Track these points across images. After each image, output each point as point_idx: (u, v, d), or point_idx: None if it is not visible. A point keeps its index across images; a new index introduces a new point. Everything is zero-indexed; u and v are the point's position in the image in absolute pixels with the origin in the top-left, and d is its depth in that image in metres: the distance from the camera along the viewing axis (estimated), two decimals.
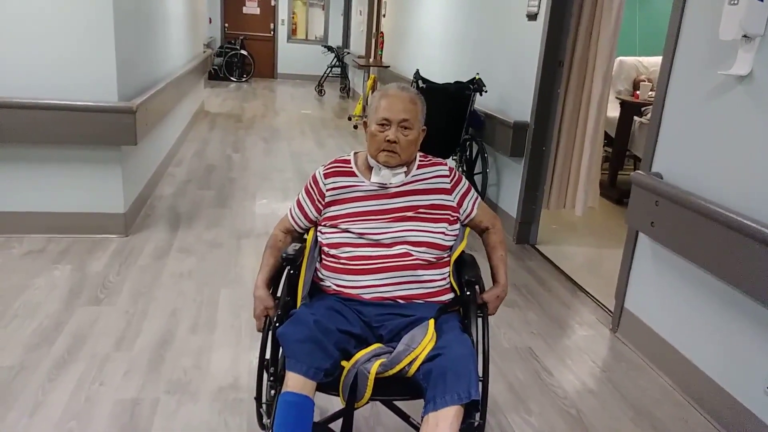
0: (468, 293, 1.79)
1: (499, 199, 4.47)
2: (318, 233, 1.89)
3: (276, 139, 7.11)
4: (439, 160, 1.97)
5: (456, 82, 4.42)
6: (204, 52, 8.25)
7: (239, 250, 3.64)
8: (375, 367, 1.57)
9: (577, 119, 3.94)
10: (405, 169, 1.87)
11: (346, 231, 1.82)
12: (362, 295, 1.77)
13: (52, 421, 2.04)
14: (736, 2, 2.12)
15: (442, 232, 1.83)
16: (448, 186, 1.90)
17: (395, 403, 1.91)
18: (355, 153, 1.96)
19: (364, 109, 8.44)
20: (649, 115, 4.12)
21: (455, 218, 1.89)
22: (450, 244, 1.86)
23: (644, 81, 5.65)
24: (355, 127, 8.28)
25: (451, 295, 1.83)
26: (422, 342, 1.60)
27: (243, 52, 12.52)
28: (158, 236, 3.75)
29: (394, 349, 1.61)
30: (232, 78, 12.45)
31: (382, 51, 9.22)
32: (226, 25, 13.16)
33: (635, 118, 5.30)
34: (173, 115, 5.52)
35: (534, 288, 3.44)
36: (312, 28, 14.03)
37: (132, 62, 3.77)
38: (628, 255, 2.89)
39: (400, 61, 7.91)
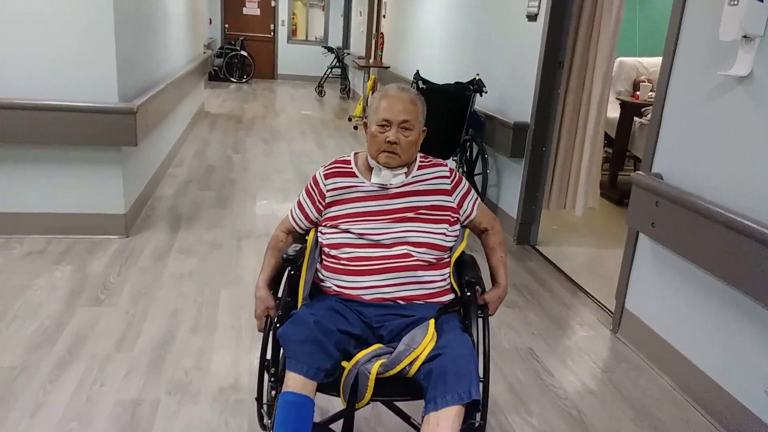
0: (468, 294, 1.79)
1: (500, 200, 4.48)
2: (318, 234, 1.90)
3: (276, 140, 7.11)
4: (440, 160, 1.97)
5: (456, 83, 4.42)
6: (204, 52, 8.25)
7: (239, 251, 3.64)
8: (375, 367, 1.57)
9: (577, 120, 3.94)
10: (405, 169, 1.87)
11: (347, 231, 1.82)
12: (363, 296, 1.77)
13: (53, 422, 2.05)
14: (736, 3, 2.12)
15: (443, 233, 1.83)
16: (449, 187, 1.90)
17: (396, 403, 1.90)
18: (356, 154, 1.96)
19: (364, 109, 8.43)
20: (649, 116, 4.11)
21: (455, 219, 1.89)
22: (450, 245, 1.86)
23: (644, 81, 5.65)
24: (356, 127, 8.28)
25: (451, 296, 1.83)
26: (423, 342, 1.60)
27: (243, 52, 12.52)
28: (159, 237, 3.75)
29: (395, 349, 1.62)
30: (232, 79, 12.44)
31: (382, 52, 9.22)
32: (227, 25, 13.16)
33: (635, 118, 5.30)
34: (173, 115, 5.53)
35: (534, 288, 3.44)
36: (312, 28, 14.03)
37: (132, 63, 3.77)
38: (629, 255, 2.90)
39: (400, 62, 7.91)
